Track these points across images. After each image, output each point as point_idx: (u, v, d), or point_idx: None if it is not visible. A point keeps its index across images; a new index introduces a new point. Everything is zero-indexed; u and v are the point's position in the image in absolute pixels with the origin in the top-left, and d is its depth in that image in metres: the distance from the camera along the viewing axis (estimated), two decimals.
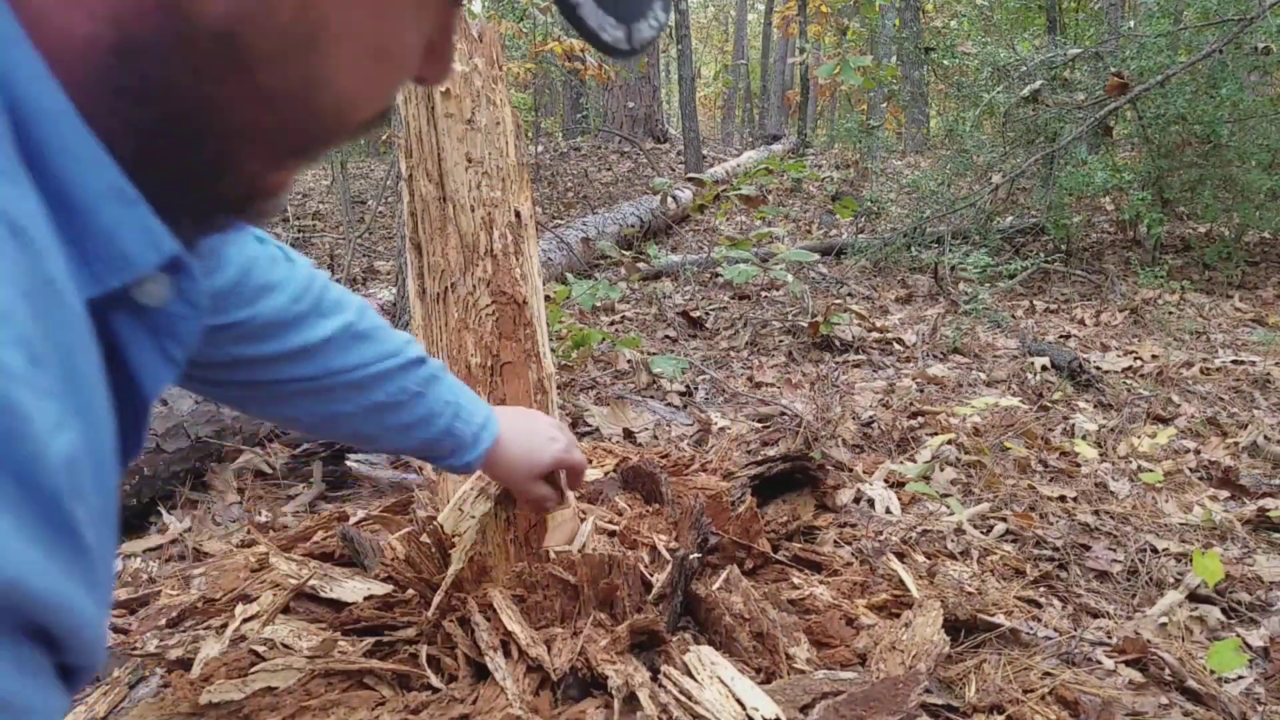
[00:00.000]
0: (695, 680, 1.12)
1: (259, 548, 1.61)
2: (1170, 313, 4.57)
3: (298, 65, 0.40)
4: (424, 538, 1.26)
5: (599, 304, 3.99)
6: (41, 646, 0.32)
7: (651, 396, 3.01)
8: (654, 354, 3.36)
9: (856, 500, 2.01)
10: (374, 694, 1.18)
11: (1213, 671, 1.34)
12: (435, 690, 1.17)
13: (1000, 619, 1.44)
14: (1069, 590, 1.65)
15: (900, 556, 1.65)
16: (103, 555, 0.37)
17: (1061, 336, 4.15)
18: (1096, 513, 2.02)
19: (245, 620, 1.35)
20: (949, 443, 2.38)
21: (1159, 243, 5.74)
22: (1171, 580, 1.70)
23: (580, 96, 12.74)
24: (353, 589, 1.40)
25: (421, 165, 1.27)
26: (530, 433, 1.13)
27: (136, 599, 1.57)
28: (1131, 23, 7.09)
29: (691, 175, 7.54)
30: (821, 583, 1.51)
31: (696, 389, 3.17)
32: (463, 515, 1.25)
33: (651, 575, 1.32)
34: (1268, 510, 2.00)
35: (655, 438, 2.57)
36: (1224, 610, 1.60)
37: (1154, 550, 1.82)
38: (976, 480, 2.19)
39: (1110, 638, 1.46)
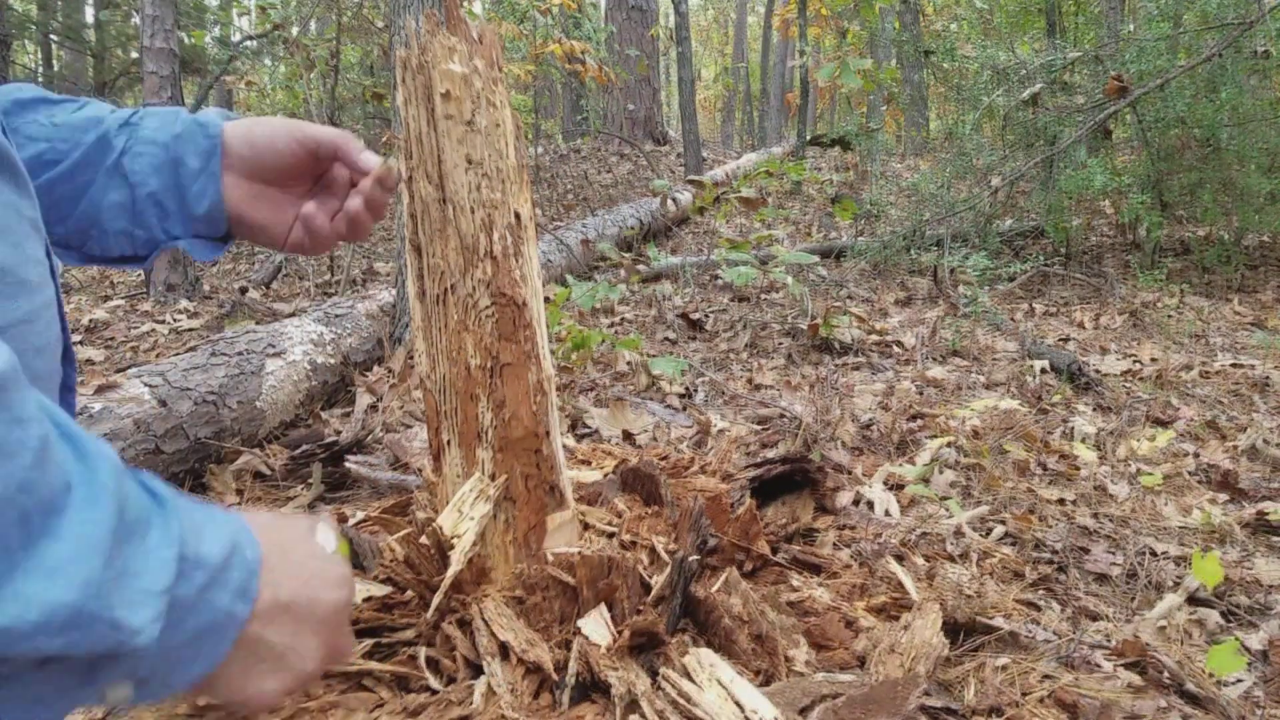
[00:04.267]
0: (694, 682, 1.12)
1: None
2: (1169, 315, 4.57)
3: None
4: (423, 539, 1.26)
5: (598, 305, 3.99)
6: None
7: (651, 398, 3.01)
8: (653, 356, 3.37)
9: (856, 502, 2.01)
10: (373, 695, 1.18)
11: (1212, 674, 1.34)
12: (434, 692, 1.17)
13: (999, 621, 1.44)
14: (1068, 593, 1.65)
15: (899, 559, 1.65)
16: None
17: (1061, 339, 4.16)
18: (1096, 515, 2.02)
19: None
20: (948, 445, 2.38)
21: (1158, 245, 5.75)
22: (1171, 583, 1.70)
23: (580, 98, 12.75)
24: None
25: (421, 167, 1.26)
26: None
27: None
28: (1131, 26, 7.10)
29: (691, 177, 7.54)
30: (821, 585, 1.51)
31: (696, 390, 3.17)
32: (461, 517, 1.25)
33: (651, 577, 1.32)
34: (1267, 513, 2.00)
35: (654, 439, 2.57)
36: (1223, 613, 1.60)
37: (1153, 553, 1.82)
38: (976, 482, 2.19)
39: (1109, 640, 1.46)
